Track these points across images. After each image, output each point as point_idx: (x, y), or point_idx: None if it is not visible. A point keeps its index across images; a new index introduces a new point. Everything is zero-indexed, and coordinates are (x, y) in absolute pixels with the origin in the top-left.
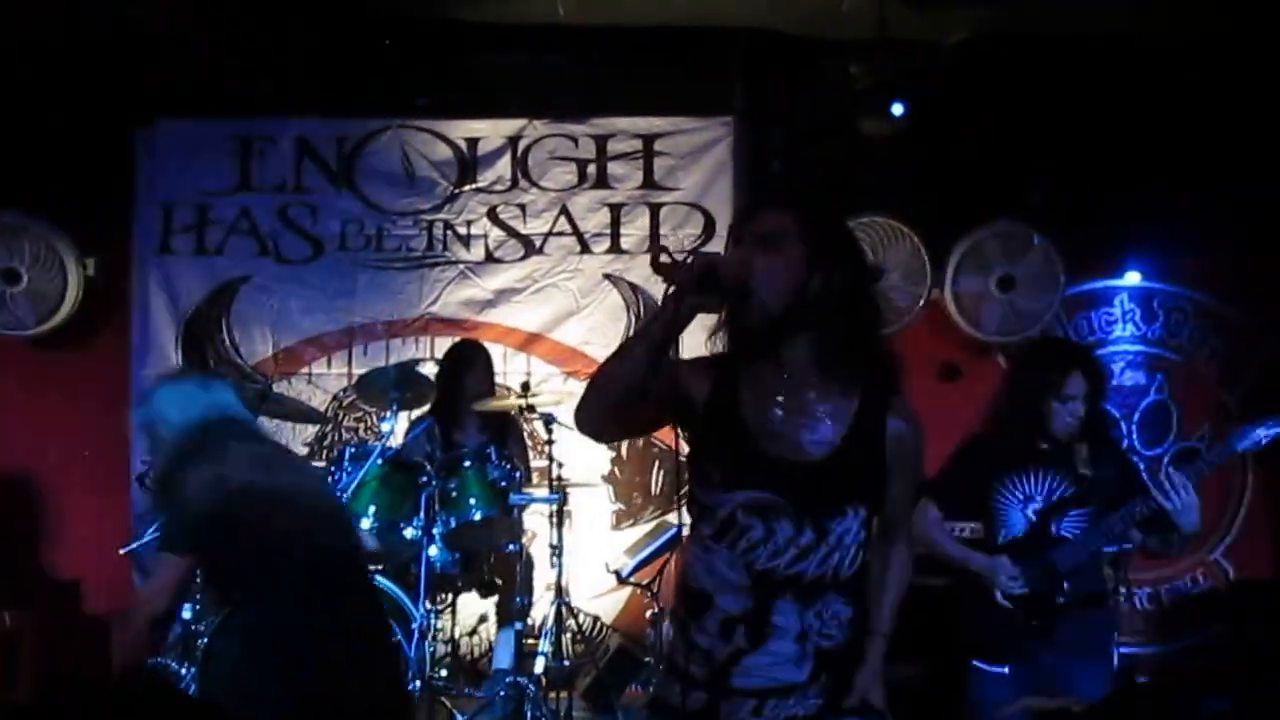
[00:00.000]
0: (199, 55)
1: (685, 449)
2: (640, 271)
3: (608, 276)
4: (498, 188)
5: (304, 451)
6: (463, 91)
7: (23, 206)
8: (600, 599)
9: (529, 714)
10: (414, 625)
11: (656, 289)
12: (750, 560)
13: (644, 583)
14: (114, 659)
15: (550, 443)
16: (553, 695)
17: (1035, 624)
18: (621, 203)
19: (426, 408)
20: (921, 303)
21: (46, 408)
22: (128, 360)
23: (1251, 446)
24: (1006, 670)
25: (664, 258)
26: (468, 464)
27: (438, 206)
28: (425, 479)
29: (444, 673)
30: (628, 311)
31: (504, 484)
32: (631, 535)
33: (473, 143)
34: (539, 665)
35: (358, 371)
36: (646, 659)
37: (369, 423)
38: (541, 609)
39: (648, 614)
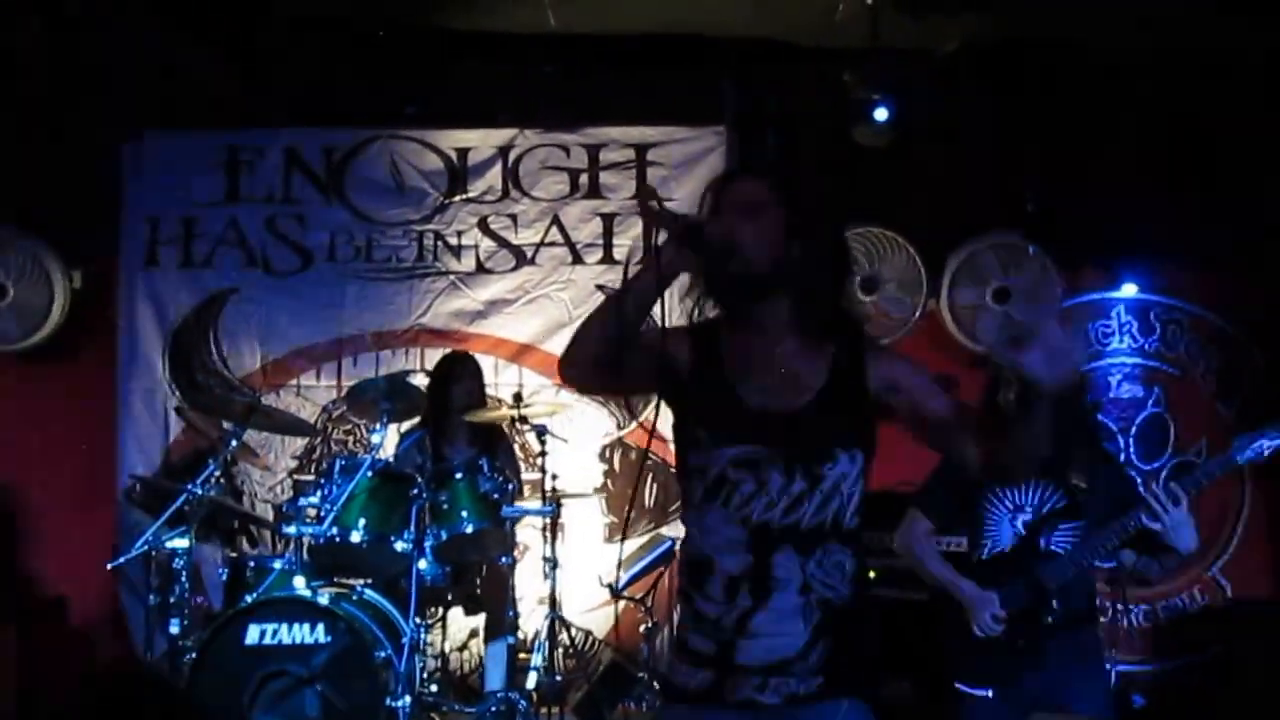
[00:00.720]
0: (186, 66)
1: (674, 463)
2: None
3: (600, 287)
4: (488, 198)
5: (293, 464)
6: (453, 101)
7: (8, 219)
8: (593, 613)
9: None
10: (404, 640)
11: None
12: (745, 515)
13: (637, 597)
14: None
15: (543, 454)
16: (544, 711)
17: (1021, 644)
18: (614, 213)
19: (417, 420)
20: (917, 314)
21: (32, 422)
22: (114, 374)
23: (1253, 458)
24: (990, 693)
25: (652, 202)
26: (459, 476)
27: (428, 217)
28: (416, 491)
29: (434, 688)
30: None
31: (496, 496)
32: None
33: (463, 152)
34: (531, 680)
35: (347, 383)
36: (640, 674)
37: (358, 435)
38: (534, 623)
39: (641, 629)
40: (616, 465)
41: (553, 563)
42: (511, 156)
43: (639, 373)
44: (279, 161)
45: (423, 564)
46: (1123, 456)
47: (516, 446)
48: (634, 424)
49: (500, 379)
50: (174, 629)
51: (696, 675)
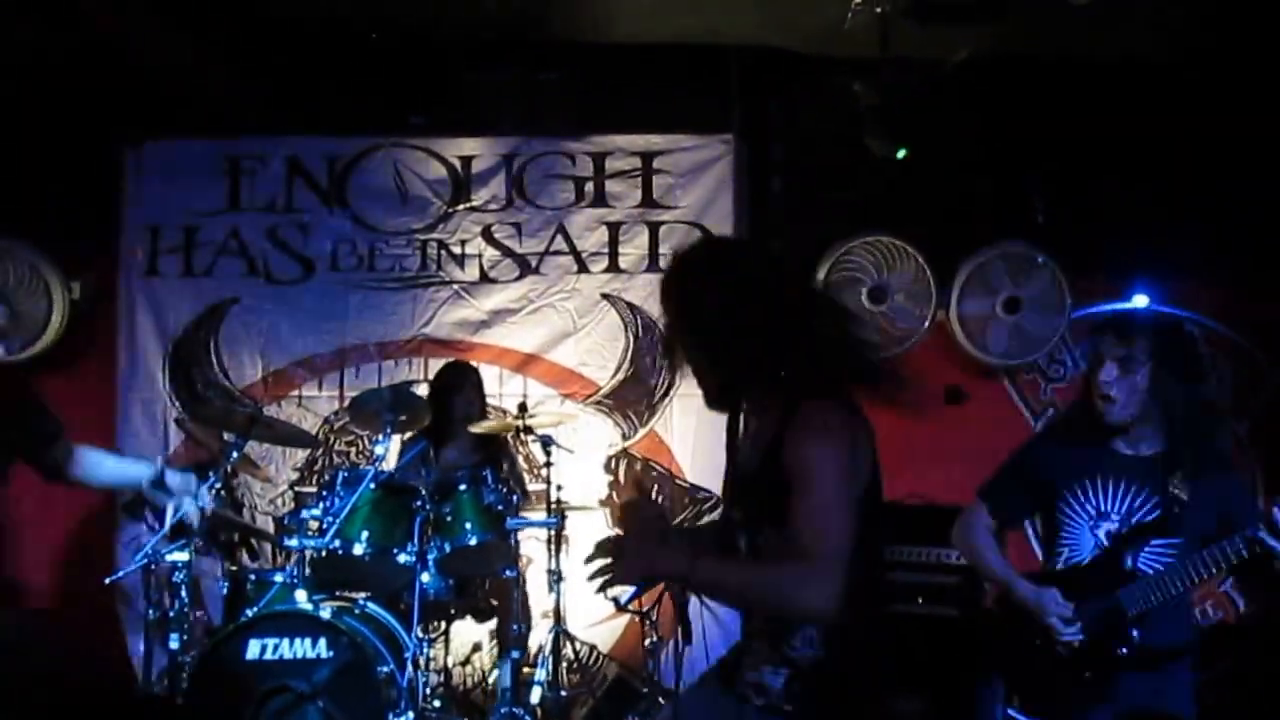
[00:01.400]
0: (187, 74)
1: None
2: (639, 291)
3: (605, 296)
4: (492, 206)
5: (294, 476)
6: (457, 109)
7: (6, 229)
8: (597, 627)
9: None
10: (407, 654)
11: (655, 308)
12: None
13: (642, 611)
14: None
15: (548, 465)
16: None
17: (1088, 677)
18: (620, 221)
19: (420, 430)
20: (926, 324)
21: None
22: (113, 385)
23: None
24: None
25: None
26: (462, 488)
27: (431, 226)
28: (419, 503)
29: (437, 703)
30: (625, 331)
31: (500, 508)
32: None
33: (467, 161)
34: (535, 695)
35: (349, 394)
36: (644, 689)
37: (360, 446)
38: (538, 637)
39: (646, 643)
40: (622, 476)
41: (557, 576)
42: (516, 164)
43: None
44: (281, 170)
45: (426, 577)
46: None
47: (520, 458)
48: (640, 434)
49: (504, 389)
50: (173, 644)
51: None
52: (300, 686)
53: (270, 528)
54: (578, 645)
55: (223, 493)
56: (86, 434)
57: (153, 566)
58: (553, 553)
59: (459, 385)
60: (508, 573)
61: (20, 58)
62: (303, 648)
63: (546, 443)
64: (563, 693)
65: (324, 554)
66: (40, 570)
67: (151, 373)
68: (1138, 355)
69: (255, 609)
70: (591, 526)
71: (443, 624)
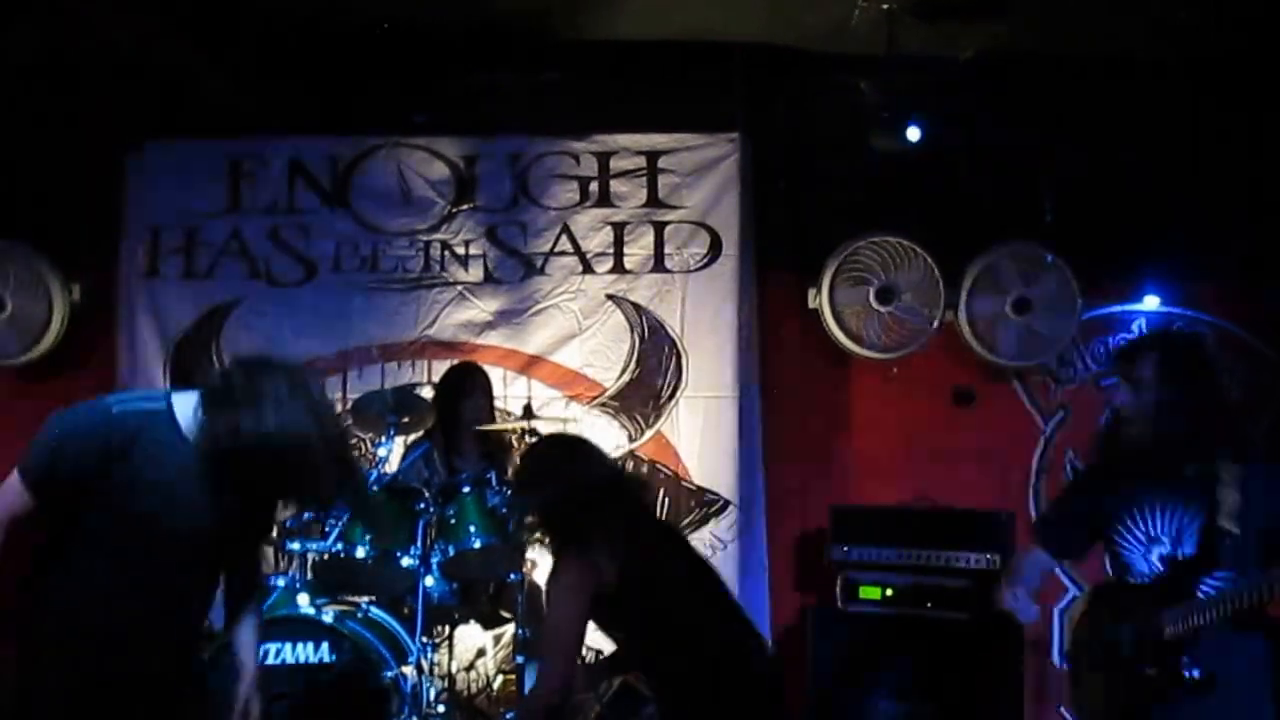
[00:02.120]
0: (188, 74)
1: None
2: (644, 292)
3: (611, 297)
4: (496, 206)
5: None
6: (460, 109)
7: (6, 230)
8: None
9: None
10: (410, 659)
11: (661, 309)
12: None
13: None
14: None
15: None
16: None
17: (1147, 691)
18: (625, 221)
19: (423, 433)
20: (935, 325)
21: (31, 437)
22: (115, 387)
23: None
24: None
25: None
26: (466, 490)
27: (435, 226)
28: (422, 506)
29: (441, 709)
30: (631, 333)
31: (504, 511)
32: None
33: (470, 161)
34: None
35: (352, 396)
36: (650, 696)
37: (363, 450)
38: None
39: None
40: None
41: None
42: (520, 164)
43: None
44: (282, 170)
45: (429, 581)
46: None
47: None
48: (646, 436)
49: (508, 391)
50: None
51: None
52: (301, 692)
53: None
54: (583, 651)
55: None
56: None
57: None
58: None
59: (469, 389)
60: (513, 577)
61: (22, 59)
62: (305, 652)
63: None
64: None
65: (326, 557)
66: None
67: (152, 375)
68: (1145, 377)
69: None
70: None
71: (446, 629)
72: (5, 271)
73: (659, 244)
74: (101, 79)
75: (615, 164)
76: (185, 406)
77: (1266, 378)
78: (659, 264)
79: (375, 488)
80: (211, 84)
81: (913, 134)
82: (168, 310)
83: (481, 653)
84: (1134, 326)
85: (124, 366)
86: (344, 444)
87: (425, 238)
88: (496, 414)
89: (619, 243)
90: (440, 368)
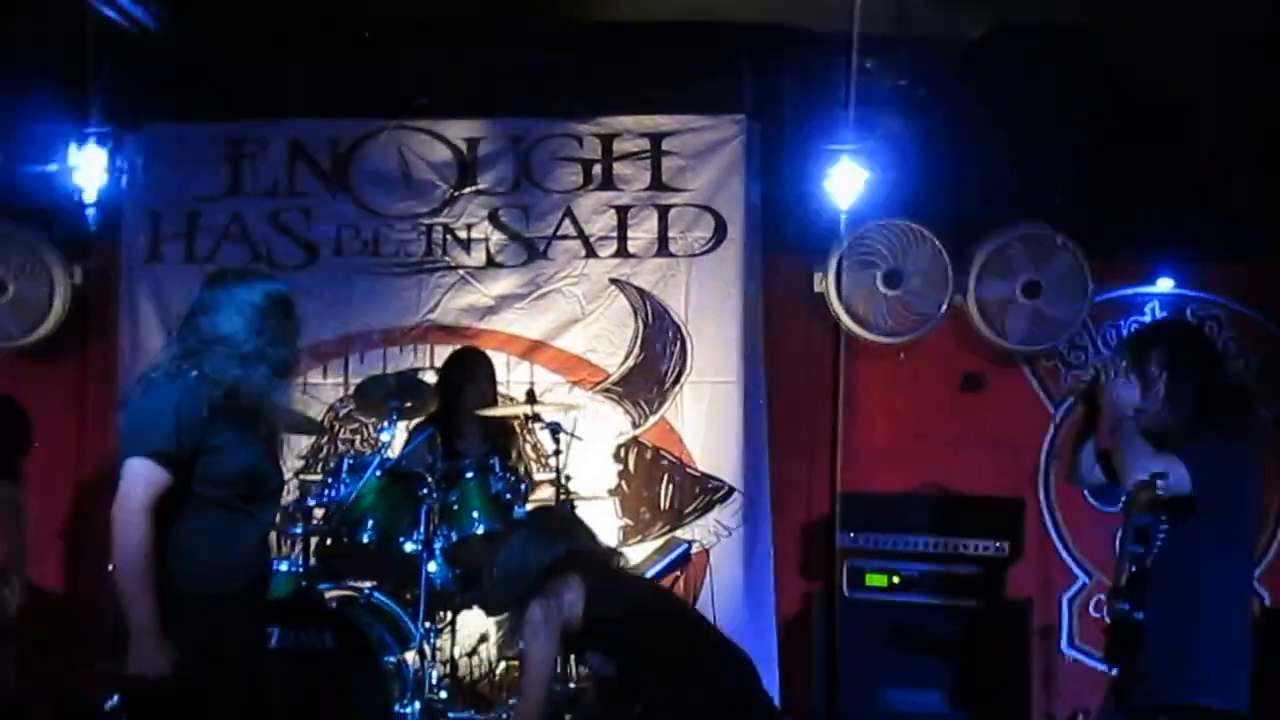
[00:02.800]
0: (188, 57)
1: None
2: (648, 276)
3: (614, 281)
4: (499, 190)
5: (299, 464)
6: (463, 91)
7: (8, 213)
8: None
9: None
10: (413, 644)
11: (665, 293)
12: None
13: None
14: None
15: (557, 453)
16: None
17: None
18: (628, 205)
19: (426, 417)
20: (943, 310)
21: (34, 419)
22: (116, 372)
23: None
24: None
25: None
26: (469, 476)
27: (436, 210)
28: (425, 491)
29: (443, 694)
30: (635, 317)
31: (507, 496)
32: (640, 552)
33: (473, 143)
34: None
35: (354, 381)
36: None
37: (365, 434)
38: None
39: None
40: (632, 465)
41: None
42: (523, 147)
43: None
44: (282, 154)
45: (432, 566)
46: None
47: (528, 446)
48: (650, 422)
49: (511, 376)
50: None
51: None
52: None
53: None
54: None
55: None
56: (88, 420)
57: None
58: None
59: (472, 374)
60: None
61: (22, 42)
62: (308, 637)
63: (555, 430)
64: (570, 685)
65: (329, 542)
66: (45, 555)
67: (154, 359)
68: (1152, 371)
69: None
70: (599, 516)
71: (449, 614)
72: (7, 254)
73: (663, 227)
74: (102, 62)
75: (618, 146)
76: None
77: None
78: (663, 248)
79: (379, 473)
80: (211, 66)
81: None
82: (169, 294)
83: (484, 638)
84: (1147, 309)
85: (125, 350)
86: None
87: (427, 221)
88: (499, 399)
89: (622, 226)
90: (442, 352)
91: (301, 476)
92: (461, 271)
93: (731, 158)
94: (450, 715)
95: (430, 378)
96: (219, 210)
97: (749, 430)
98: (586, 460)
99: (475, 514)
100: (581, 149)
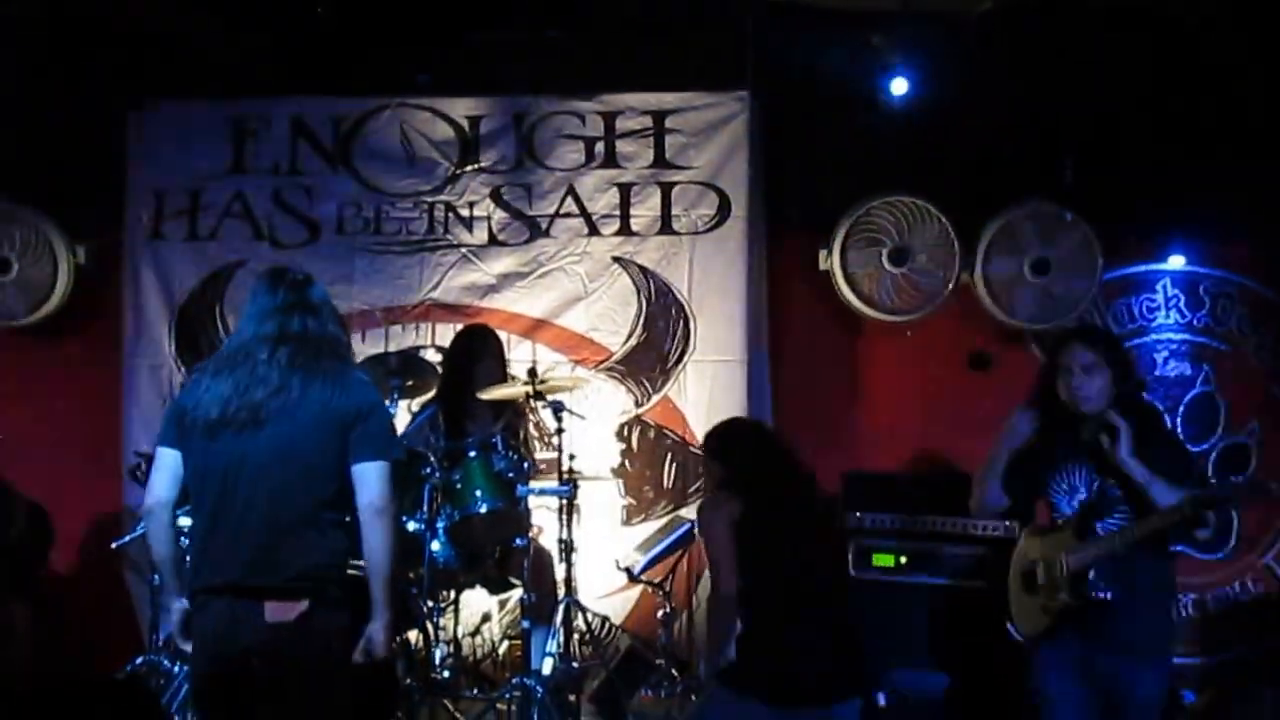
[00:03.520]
0: (191, 35)
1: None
2: (651, 254)
3: (617, 259)
4: (501, 168)
5: None
6: (465, 68)
7: (11, 193)
8: (609, 598)
9: (535, 718)
10: (417, 623)
11: (668, 271)
12: None
13: (655, 581)
14: None
15: (560, 431)
16: (561, 698)
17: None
18: (631, 182)
19: (429, 396)
20: (950, 287)
21: (37, 399)
22: (119, 350)
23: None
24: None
25: None
26: (472, 454)
27: (439, 187)
28: (428, 470)
29: (446, 673)
30: (637, 296)
31: (510, 475)
32: (643, 531)
33: (475, 121)
34: (547, 667)
35: (356, 360)
36: (658, 661)
37: None
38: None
39: (659, 614)
40: (634, 444)
41: (568, 546)
42: (525, 125)
43: None
44: (285, 131)
45: (435, 545)
46: None
47: (531, 425)
48: (653, 401)
49: (513, 355)
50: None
51: None
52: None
53: None
54: (589, 616)
55: None
56: (92, 398)
57: None
58: (564, 522)
59: (479, 353)
60: (519, 542)
61: (24, 22)
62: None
63: (558, 409)
64: (574, 664)
65: None
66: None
67: (157, 337)
68: (1105, 362)
69: None
70: (603, 496)
71: (452, 593)
72: (11, 234)
73: (666, 205)
74: (104, 41)
75: (621, 124)
76: None
77: None
78: (666, 226)
79: None
80: (213, 44)
81: (900, 87)
82: (172, 272)
83: (487, 617)
84: (1158, 286)
85: (129, 328)
86: None
87: (429, 199)
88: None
89: (625, 204)
90: (444, 331)
91: None
92: (463, 250)
93: (735, 135)
94: (454, 694)
95: (433, 356)
96: (222, 188)
97: (752, 409)
98: (589, 439)
99: (479, 493)
100: (584, 126)
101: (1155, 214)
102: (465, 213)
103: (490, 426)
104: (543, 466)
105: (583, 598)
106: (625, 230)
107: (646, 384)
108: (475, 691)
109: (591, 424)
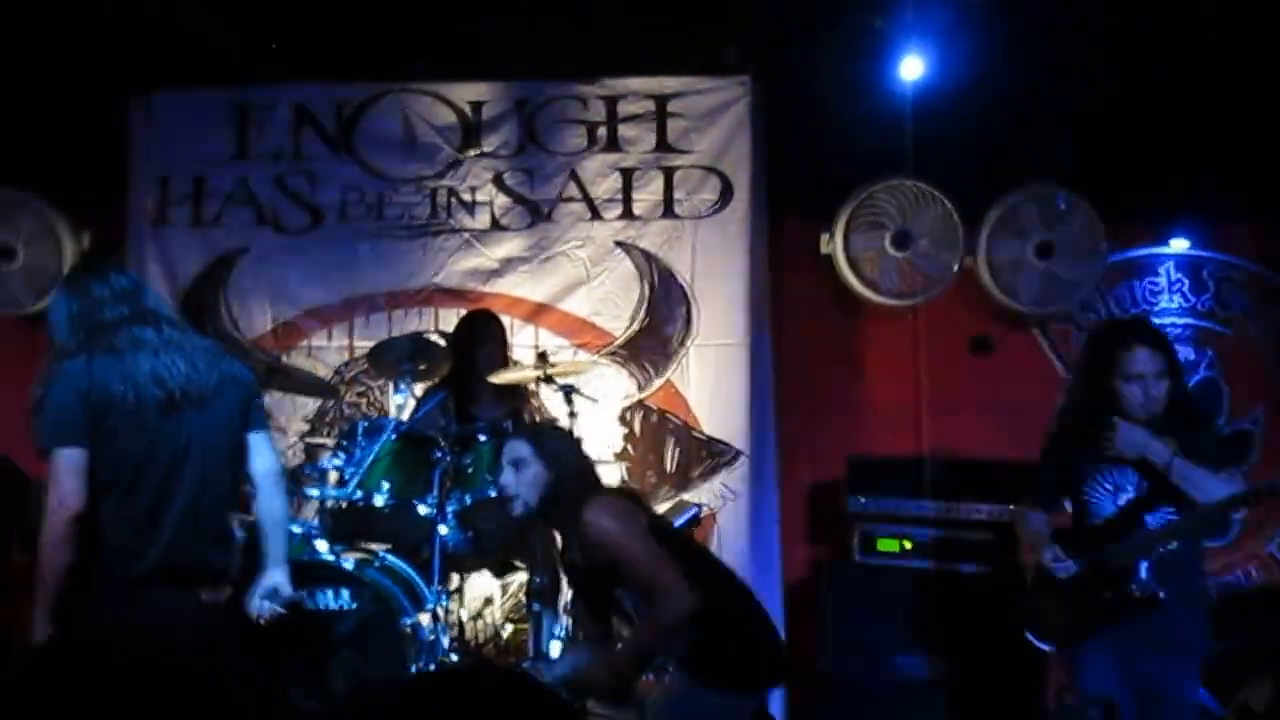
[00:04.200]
0: (194, 23)
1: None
2: (654, 239)
3: (619, 244)
4: (504, 152)
5: (304, 427)
6: (467, 53)
7: (16, 181)
8: None
9: None
10: (427, 607)
11: (670, 256)
12: None
13: None
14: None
15: (572, 415)
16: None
17: (1108, 597)
18: (634, 167)
19: (438, 380)
20: (953, 271)
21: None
22: None
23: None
24: (1050, 648)
25: None
26: (483, 439)
27: (441, 172)
28: (438, 455)
29: (454, 657)
30: (640, 281)
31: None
32: None
33: (477, 106)
34: (555, 650)
35: (359, 344)
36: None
37: (370, 398)
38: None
39: None
40: (637, 429)
41: None
42: (527, 109)
43: None
44: (288, 117)
45: (444, 529)
46: None
47: (535, 409)
48: (655, 385)
49: (516, 340)
50: None
51: None
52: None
53: None
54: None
55: None
56: None
57: None
58: None
59: (482, 339)
60: None
61: (27, 9)
62: (326, 599)
63: (569, 392)
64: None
65: (344, 505)
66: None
67: None
68: (1164, 370)
69: None
70: (607, 480)
71: (457, 577)
72: (16, 222)
73: (668, 190)
74: (107, 28)
75: (623, 108)
76: None
77: None
78: (668, 210)
79: (393, 435)
80: (216, 31)
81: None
82: (176, 258)
83: (489, 601)
84: (1161, 270)
85: None
86: None
87: (432, 184)
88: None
89: (628, 188)
90: (447, 315)
91: (307, 440)
92: (466, 234)
93: (737, 119)
94: None
95: (440, 341)
96: (225, 174)
97: (755, 393)
98: (592, 423)
99: (488, 477)
100: (586, 111)
101: (1158, 197)
102: (468, 198)
103: (496, 411)
104: None
105: None
106: (627, 215)
107: (649, 368)
108: None
109: (595, 408)
